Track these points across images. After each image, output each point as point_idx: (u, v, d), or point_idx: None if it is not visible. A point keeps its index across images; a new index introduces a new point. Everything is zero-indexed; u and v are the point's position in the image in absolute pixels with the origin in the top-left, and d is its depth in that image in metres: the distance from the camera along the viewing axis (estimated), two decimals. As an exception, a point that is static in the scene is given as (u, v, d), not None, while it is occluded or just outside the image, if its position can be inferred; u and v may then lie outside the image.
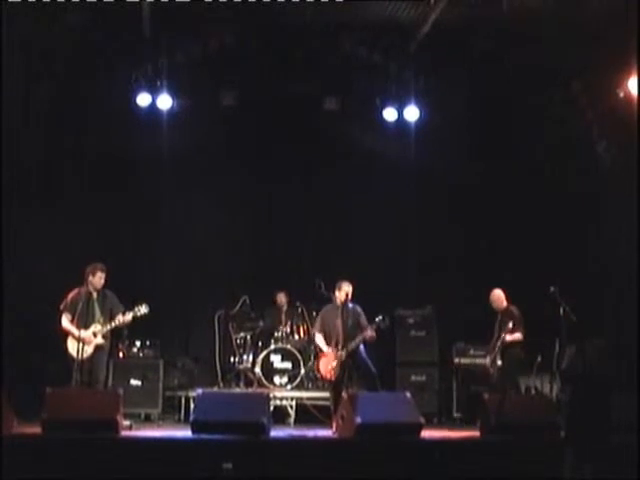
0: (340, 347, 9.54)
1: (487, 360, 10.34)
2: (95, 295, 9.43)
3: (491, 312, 10.57)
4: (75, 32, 10.31)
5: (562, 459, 6.89)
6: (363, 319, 9.70)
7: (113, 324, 9.37)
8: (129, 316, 9.40)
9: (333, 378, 9.61)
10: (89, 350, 9.24)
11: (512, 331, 10.01)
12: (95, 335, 9.30)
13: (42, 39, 10.31)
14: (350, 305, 9.73)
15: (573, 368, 7.13)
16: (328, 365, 9.66)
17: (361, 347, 9.63)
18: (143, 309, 9.43)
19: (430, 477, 7.59)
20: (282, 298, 12.03)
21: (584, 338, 7.31)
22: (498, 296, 10.40)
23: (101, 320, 9.36)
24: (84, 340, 9.18)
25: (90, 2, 9.48)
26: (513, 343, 10.06)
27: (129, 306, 9.45)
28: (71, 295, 9.44)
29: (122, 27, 10.32)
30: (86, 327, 9.25)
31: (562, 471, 6.85)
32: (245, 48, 11.21)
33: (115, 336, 9.98)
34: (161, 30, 10.61)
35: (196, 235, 12.12)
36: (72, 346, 9.27)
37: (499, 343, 10.11)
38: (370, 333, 9.51)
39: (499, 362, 10.14)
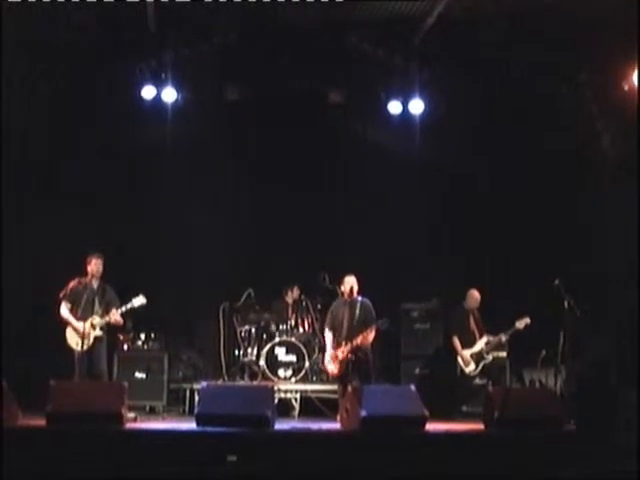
0: (345, 341, 9.55)
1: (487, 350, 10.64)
2: (95, 287, 9.51)
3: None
4: (80, 25, 10.30)
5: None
6: (370, 315, 9.67)
7: (108, 318, 9.43)
8: (125, 308, 9.45)
9: (335, 372, 9.63)
10: (88, 342, 9.32)
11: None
12: (94, 327, 9.38)
13: (45, 32, 10.30)
14: (360, 299, 9.72)
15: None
16: (330, 360, 9.69)
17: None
18: (140, 299, 9.47)
19: (434, 470, 7.60)
20: (294, 292, 12.01)
21: (594, 334, 7.33)
22: (477, 296, 10.82)
23: (99, 312, 9.43)
24: (82, 332, 9.24)
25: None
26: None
27: (130, 299, 9.50)
28: (71, 284, 9.49)
29: (127, 20, 10.31)
30: (85, 319, 9.32)
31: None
32: (250, 42, 11.19)
33: (113, 329, 9.94)
34: (166, 24, 10.59)
35: (200, 228, 12.09)
36: (71, 337, 9.38)
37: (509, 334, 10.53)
38: (370, 333, 9.51)
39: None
